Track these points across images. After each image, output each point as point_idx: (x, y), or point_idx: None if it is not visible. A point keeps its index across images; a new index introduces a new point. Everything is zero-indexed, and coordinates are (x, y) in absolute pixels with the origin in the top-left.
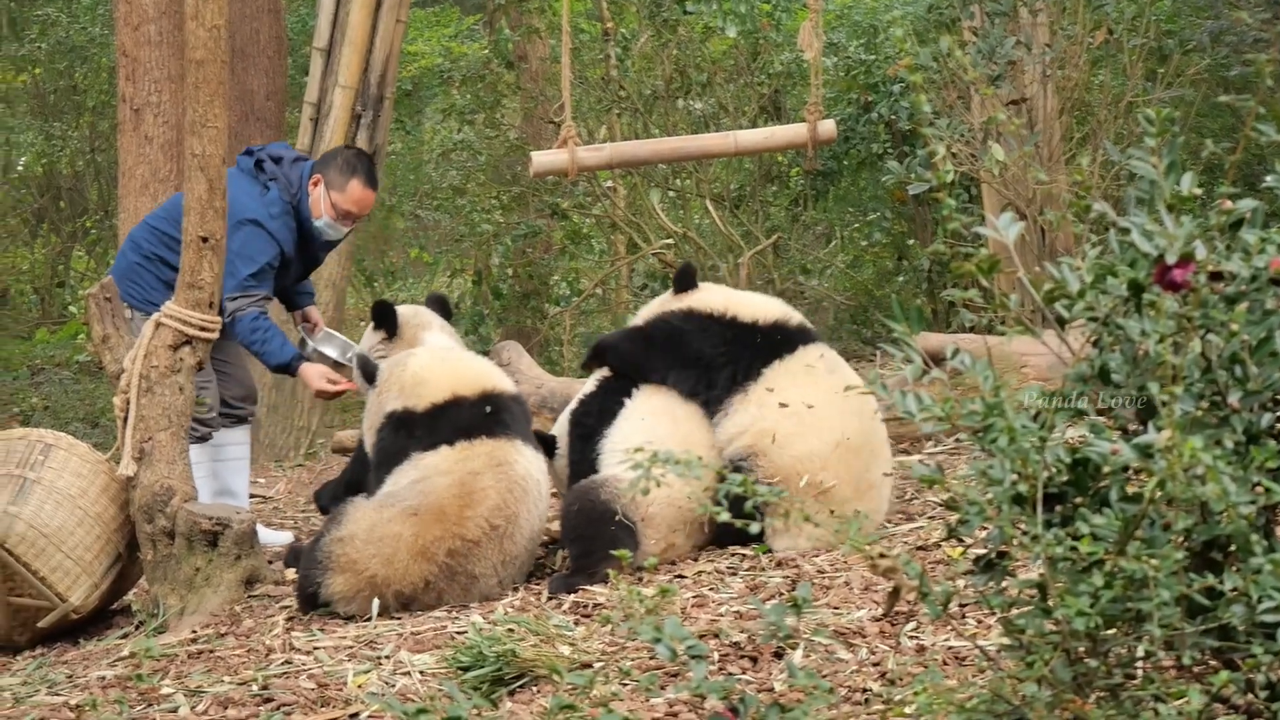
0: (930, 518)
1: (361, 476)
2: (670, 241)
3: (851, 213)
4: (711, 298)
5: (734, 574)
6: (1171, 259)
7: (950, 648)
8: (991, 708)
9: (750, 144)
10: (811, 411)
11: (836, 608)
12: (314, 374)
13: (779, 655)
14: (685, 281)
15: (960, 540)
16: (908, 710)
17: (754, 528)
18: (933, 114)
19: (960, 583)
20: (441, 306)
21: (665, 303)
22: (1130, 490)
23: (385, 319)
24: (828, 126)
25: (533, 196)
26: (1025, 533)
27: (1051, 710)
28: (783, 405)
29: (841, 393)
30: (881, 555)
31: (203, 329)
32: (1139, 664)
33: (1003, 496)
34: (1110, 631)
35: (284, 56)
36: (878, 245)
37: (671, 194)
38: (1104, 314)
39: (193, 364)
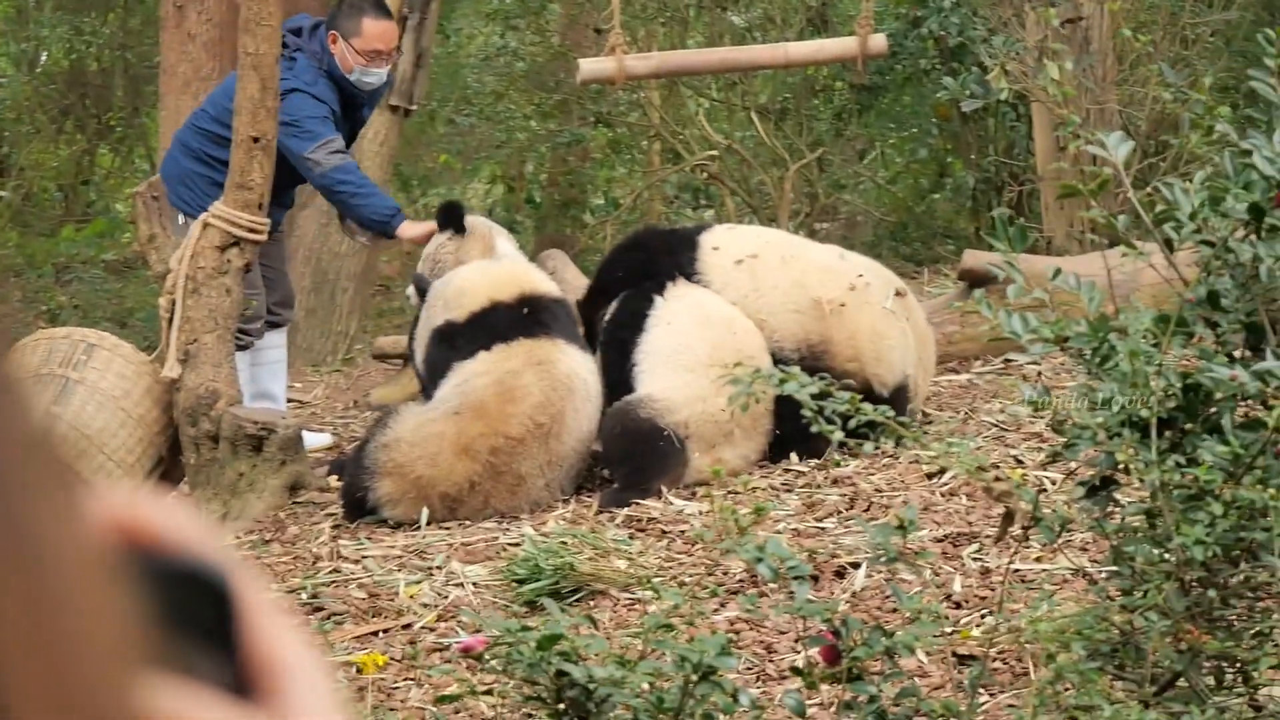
0: (988, 437)
1: None
2: (714, 153)
3: (893, 128)
4: None
5: (789, 491)
6: None
7: (1016, 570)
8: (1108, 634)
9: (801, 56)
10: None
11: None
12: (409, 227)
13: (840, 574)
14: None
15: (1019, 462)
16: (998, 632)
17: (868, 448)
18: (987, 31)
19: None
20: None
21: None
22: (1240, 417)
23: (452, 218)
24: (879, 40)
25: (575, 104)
26: (1137, 457)
27: (1164, 639)
28: None
29: None
30: (997, 479)
31: (251, 230)
32: (1248, 595)
33: (1114, 421)
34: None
35: None
36: (920, 162)
37: (710, 105)
38: (1222, 238)
39: (240, 265)
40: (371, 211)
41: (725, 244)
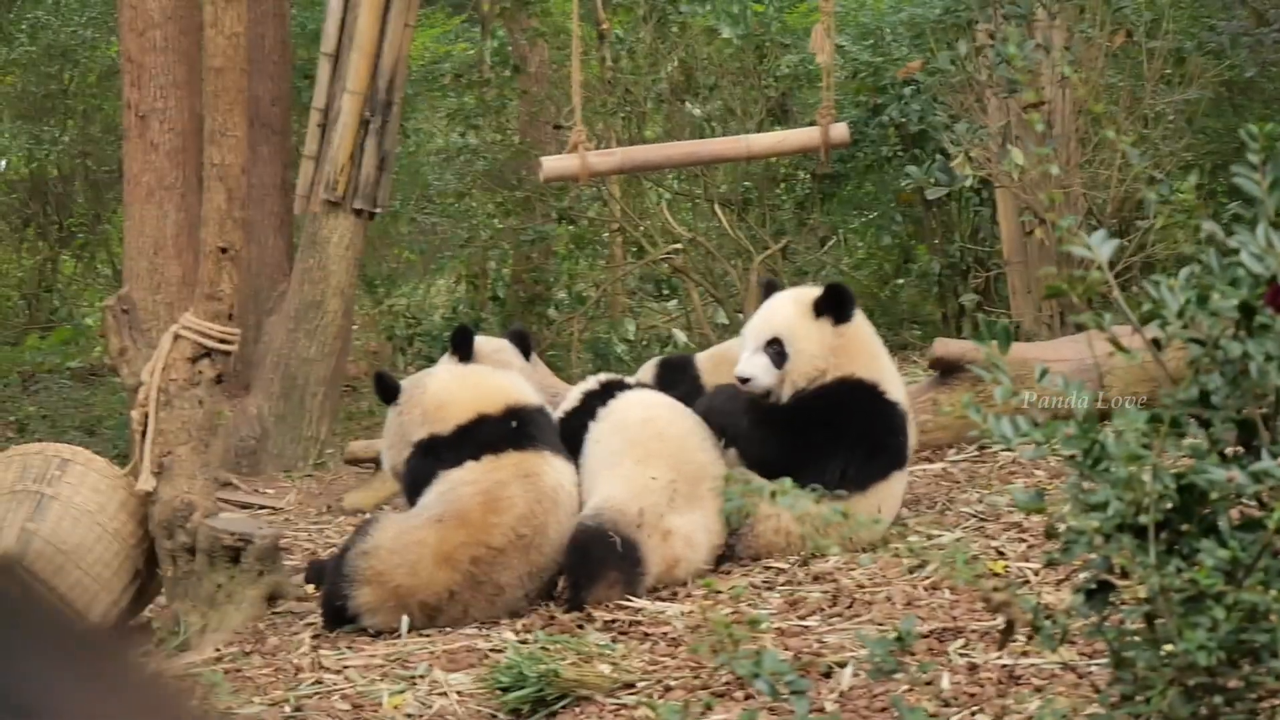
0: (967, 529)
1: None
2: (678, 246)
3: (856, 214)
4: None
5: (770, 589)
6: None
7: (1004, 666)
8: None
9: (763, 148)
10: None
11: (881, 624)
12: None
13: (826, 675)
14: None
15: (1001, 554)
16: None
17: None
18: (949, 118)
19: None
20: (520, 340)
21: None
22: (1236, 517)
23: (463, 345)
24: (840, 130)
25: (538, 201)
26: (1135, 561)
27: None
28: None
29: None
30: (996, 589)
31: (222, 341)
32: (1251, 698)
33: (1108, 524)
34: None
35: (289, 62)
36: (885, 248)
37: (671, 197)
38: (1214, 335)
39: (211, 376)
40: None
41: None
